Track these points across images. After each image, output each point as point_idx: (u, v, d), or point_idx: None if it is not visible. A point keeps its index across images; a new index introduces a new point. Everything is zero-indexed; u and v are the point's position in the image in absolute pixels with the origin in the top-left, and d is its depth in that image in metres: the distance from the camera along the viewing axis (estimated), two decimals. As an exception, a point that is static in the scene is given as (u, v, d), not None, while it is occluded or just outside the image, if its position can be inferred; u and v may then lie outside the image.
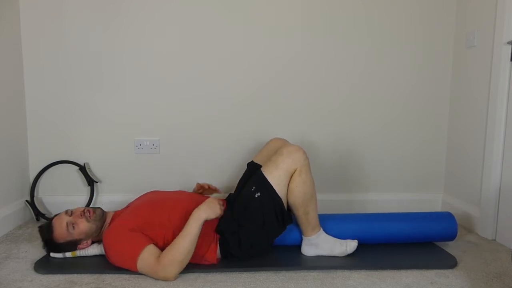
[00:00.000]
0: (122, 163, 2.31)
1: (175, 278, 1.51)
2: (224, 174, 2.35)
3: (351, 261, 1.67)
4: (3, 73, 2.05)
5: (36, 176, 2.26)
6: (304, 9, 2.26)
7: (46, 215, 2.23)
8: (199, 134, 2.32)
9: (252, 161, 1.92)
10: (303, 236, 1.73)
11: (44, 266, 1.61)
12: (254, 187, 1.64)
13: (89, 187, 2.28)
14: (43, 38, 2.20)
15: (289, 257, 1.72)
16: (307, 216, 1.66)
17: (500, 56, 1.92)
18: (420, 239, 1.84)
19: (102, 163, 2.31)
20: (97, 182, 2.31)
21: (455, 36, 2.33)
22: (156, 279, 1.51)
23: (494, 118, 1.96)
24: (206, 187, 1.95)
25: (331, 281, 1.52)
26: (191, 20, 2.24)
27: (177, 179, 2.33)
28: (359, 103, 2.35)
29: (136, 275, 1.54)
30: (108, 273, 1.56)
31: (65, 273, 1.56)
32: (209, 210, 1.57)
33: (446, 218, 1.84)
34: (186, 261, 1.52)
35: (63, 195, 2.31)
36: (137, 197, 1.89)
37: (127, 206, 1.81)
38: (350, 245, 1.71)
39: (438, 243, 1.89)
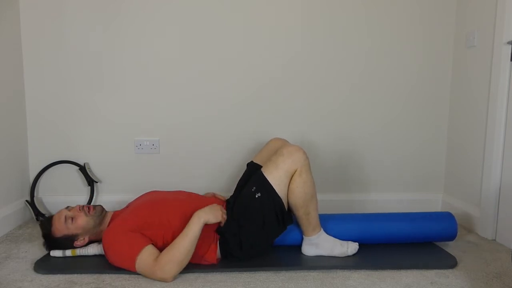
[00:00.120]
0: (122, 163, 2.31)
1: (173, 279, 1.50)
2: (224, 174, 2.35)
3: (351, 261, 1.67)
4: (3, 73, 2.05)
5: (36, 176, 2.26)
6: (304, 9, 2.26)
7: (46, 215, 2.22)
8: (199, 134, 2.32)
9: (252, 161, 1.92)
10: (303, 236, 1.73)
11: (44, 266, 1.61)
12: (254, 188, 1.64)
13: (89, 187, 2.28)
14: (43, 38, 2.21)
15: (289, 257, 1.72)
16: (308, 217, 1.66)
17: (500, 56, 1.92)
18: (420, 239, 1.84)
19: (102, 163, 2.31)
20: (97, 182, 2.31)
21: (455, 36, 2.33)
22: (154, 280, 1.50)
23: (494, 118, 1.96)
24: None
25: (331, 281, 1.52)
26: (191, 20, 2.24)
27: (177, 179, 2.33)
28: (359, 103, 2.35)
29: (136, 275, 1.54)
30: (108, 273, 1.56)
31: (65, 273, 1.56)
32: (211, 214, 1.57)
33: (446, 218, 1.84)
34: (185, 262, 1.51)
35: (63, 195, 2.31)
36: (137, 197, 1.89)
37: (127, 206, 1.81)
38: (351, 247, 1.71)
39: (438, 243, 1.89)
